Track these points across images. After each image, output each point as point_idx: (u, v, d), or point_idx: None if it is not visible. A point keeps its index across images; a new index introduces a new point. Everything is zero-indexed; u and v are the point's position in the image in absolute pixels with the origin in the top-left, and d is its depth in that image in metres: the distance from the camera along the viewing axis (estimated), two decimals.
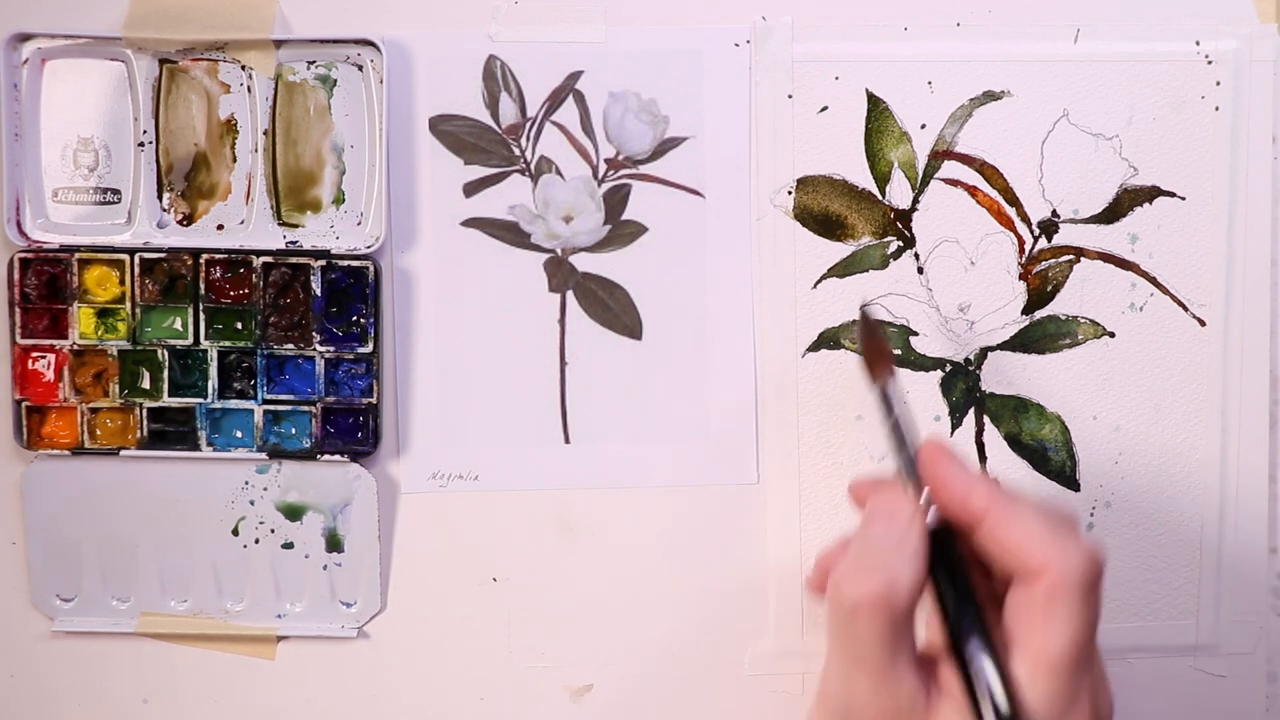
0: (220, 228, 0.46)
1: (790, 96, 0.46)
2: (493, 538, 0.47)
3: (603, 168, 0.46)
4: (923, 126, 0.46)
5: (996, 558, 0.36)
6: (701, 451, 0.47)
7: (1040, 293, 0.47)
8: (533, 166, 0.46)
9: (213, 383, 0.46)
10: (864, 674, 0.35)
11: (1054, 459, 0.47)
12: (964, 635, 0.35)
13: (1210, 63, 0.46)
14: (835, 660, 0.36)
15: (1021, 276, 0.47)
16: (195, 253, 0.45)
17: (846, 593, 0.35)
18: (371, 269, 0.45)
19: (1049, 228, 0.47)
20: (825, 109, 0.46)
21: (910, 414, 0.41)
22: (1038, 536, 0.35)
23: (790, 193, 0.46)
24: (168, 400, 0.46)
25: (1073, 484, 0.47)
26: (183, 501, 0.46)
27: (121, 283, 0.46)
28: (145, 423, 0.46)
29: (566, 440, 0.47)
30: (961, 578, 0.36)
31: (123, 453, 0.46)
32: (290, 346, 0.46)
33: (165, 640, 0.47)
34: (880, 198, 0.46)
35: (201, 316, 0.46)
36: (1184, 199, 0.47)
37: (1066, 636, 0.34)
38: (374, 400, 0.46)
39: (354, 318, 0.46)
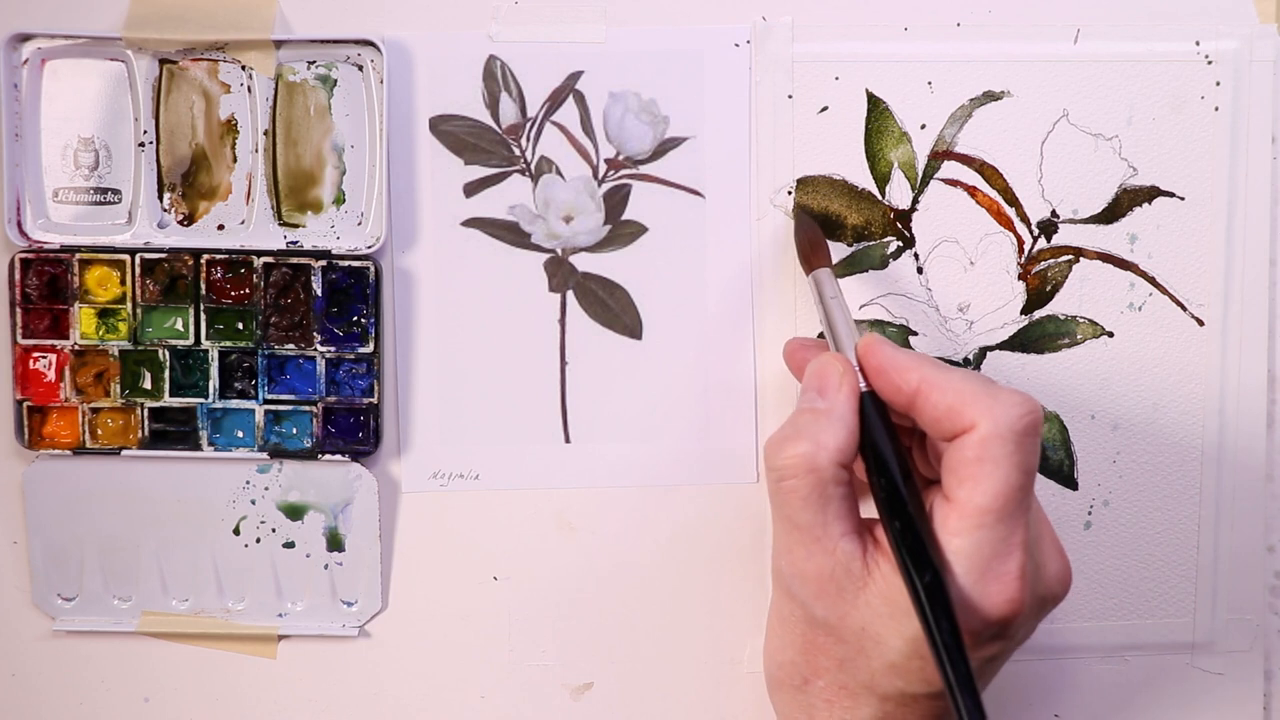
0: (221, 228, 0.46)
1: (790, 97, 0.46)
2: (493, 537, 0.47)
3: (603, 168, 0.46)
4: (923, 127, 0.46)
5: (934, 428, 0.36)
6: (701, 451, 0.47)
7: (1039, 293, 0.47)
8: (533, 166, 0.46)
9: (214, 383, 0.46)
10: (798, 538, 0.37)
11: (1052, 458, 0.47)
12: (890, 493, 0.36)
13: (1210, 63, 0.46)
14: (775, 529, 0.38)
15: (1021, 276, 0.47)
16: (196, 253, 0.45)
17: (772, 461, 0.37)
18: (372, 269, 0.45)
19: (1048, 228, 0.47)
20: (825, 109, 0.46)
21: (845, 305, 0.41)
22: (968, 394, 0.36)
23: (790, 193, 0.46)
24: (169, 400, 0.46)
25: (1071, 483, 0.47)
26: (184, 501, 0.46)
27: (122, 283, 0.46)
28: (146, 422, 0.46)
29: (566, 440, 0.47)
30: (894, 443, 0.37)
31: (124, 452, 0.46)
32: (291, 346, 0.46)
33: (166, 639, 0.47)
34: (880, 198, 0.46)
35: (202, 316, 0.46)
36: (1183, 199, 0.47)
37: (994, 486, 0.35)
38: (375, 400, 0.46)
39: (354, 318, 0.46)
